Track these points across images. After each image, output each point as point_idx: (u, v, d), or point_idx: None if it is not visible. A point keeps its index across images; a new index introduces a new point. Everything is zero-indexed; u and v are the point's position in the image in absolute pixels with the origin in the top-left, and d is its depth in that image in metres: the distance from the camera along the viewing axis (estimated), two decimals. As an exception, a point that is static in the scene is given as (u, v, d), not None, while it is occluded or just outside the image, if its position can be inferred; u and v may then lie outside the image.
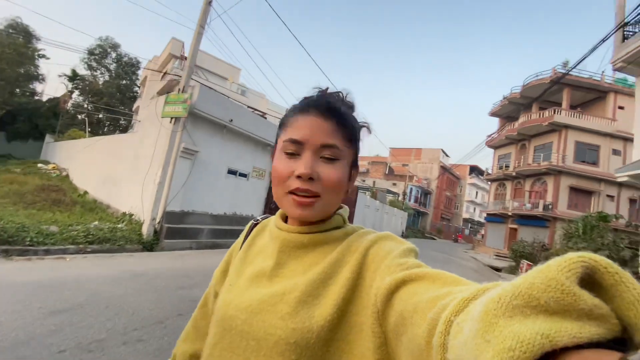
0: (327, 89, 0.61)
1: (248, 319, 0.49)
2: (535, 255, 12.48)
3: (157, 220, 7.03)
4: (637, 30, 7.99)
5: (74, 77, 29.46)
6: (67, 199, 9.71)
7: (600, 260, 0.21)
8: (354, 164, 0.59)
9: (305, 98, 0.58)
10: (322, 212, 0.54)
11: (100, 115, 29.62)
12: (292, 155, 0.54)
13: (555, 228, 17.32)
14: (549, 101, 20.38)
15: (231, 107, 8.50)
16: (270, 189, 10.14)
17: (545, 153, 19.51)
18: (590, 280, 0.21)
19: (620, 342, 0.20)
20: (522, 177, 21.25)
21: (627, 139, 16.77)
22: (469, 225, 46.82)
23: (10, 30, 25.93)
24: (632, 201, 17.91)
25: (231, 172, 8.91)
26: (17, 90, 27.63)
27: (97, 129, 30.42)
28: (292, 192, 0.53)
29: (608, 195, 18.10)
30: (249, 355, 0.47)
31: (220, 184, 8.63)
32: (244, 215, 9.48)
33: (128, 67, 34.53)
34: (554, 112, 18.66)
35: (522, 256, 13.48)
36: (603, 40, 5.84)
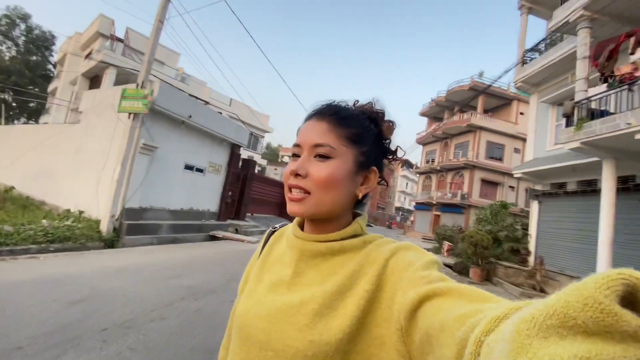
0: (357, 101, 0.63)
1: (266, 328, 0.50)
2: (454, 237, 14.89)
3: (117, 217, 7.01)
4: (534, 56, 10.21)
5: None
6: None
7: None
8: (363, 166, 0.57)
9: None
10: (313, 209, 0.54)
11: (6, 97, 25.38)
12: (295, 157, 0.57)
13: (469, 214, 20.52)
14: (468, 105, 23.71)
15: (190, 103, 8.63)
16: (225, 183, 10.49)
17: (463, 150, 22.76)
18: (632, 299, 0.20)
19: None
20: (444, 171, 24.42)
21: (525, 140, 20.62)
22: (400, 212, 51.50)
23: None
24: (527, 191, 22.08)
25: (188, 167, 9.07)
26: None
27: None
28: (289, 189, 0.55)
29: (510, 186, 21.96)
30: None
31: (178, 179, 8.75)
32: (201, 210, 9.70)
33: (40, 42, 30.02)
34: (471, 115, 21.85)
35: (444, 238, 15.91)
36: (506, 72, 7.55)
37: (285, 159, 42.85)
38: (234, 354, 0.54)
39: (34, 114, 28.43)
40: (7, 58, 27.04)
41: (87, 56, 21.17)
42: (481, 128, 21.68)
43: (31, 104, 27.91)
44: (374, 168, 0.59)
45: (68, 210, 8.00)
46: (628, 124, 5.45)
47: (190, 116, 8.39)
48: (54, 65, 28.94)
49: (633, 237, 6.64)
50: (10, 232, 5.46)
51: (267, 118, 25.97)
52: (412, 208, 38.74)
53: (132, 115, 7.15)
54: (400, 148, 0.64)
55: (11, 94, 25.07)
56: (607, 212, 6.16)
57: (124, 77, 17.56)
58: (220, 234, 9.39)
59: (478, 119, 21.77)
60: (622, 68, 6.01)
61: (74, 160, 8.70)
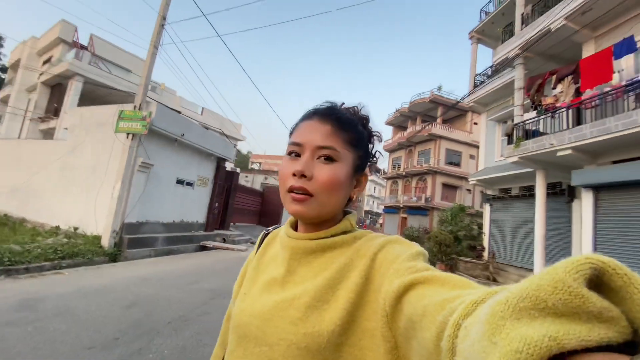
0: (343, 104, 0.65)
1: (261, 325, 0.52)
2: (421, 237, 16.50)
3: (117, 231, 7.46)
4: (483, 80, 11.97)
5: None
6: (-25, 215, 8.71)
7: (608, 261, 0.22)
8: (358, 170, 0.60)
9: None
10: (316, 211, 0.56)
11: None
12: (294, 156, 0.58)
13: (433, 216, 22.50)
14: (428, 115, 25.93)
15: (182, 122, 9.22)
16: (212, 195, 11.09)
17: (426, 157, 24.86)
18: (598, 282, 0.22)
19: (631, 345, 0.20)
20: (410, 176, 26.41)
21: (479, 147, 23.12)
22: (370, 216, 53.67)
23: None
24: (481, 193, 24.63)
25: (179, 181, 9.60)
26: None
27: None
28: (290, 191, 0.56)
29: (467, 189, 24.32)
30: None
31: (170, 193, 9.26)
32: (190, 222, 10.23)
33: (-17, 43, 27.98)
34: (432, 125, 24.00)
35: (412, 239, 17.45)
36: (462, 99, 9.05)
37: (255, 165, 43.02)
38: (230, 352, 0.57)
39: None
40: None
41: (46, 63, 20.43)
42: (441, 137, 23.86)
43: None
44: (366, 171, 0.63)
45: (57, 227, 8.23)
46: (551, 144, 7.05)
47: (183, 134, 8.98)
48: (3, 70, 27.16)
49: (560, 231, 8.35)
50: (19, 250, 5.81)
51: (240, 126, 26.41)
52: (380, 211, 40.75)
53: (130, 135, 7.65)
54: (381, 153, 0.68)
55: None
56: (540, 212, 7.77)
57: (90, 87, 17.32)
58: (210, 244, 9.98)
59: (438, 129, 23.96)
60: (547, 99, 7.66)
61: (61, 177, 8.90)
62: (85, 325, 3.27)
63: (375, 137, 0.65)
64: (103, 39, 20.44)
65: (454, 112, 25.77)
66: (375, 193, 54.28)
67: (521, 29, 8.74)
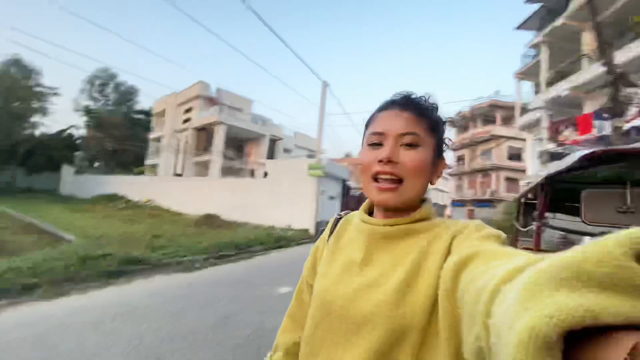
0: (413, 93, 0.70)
1: (345, 305, 0.58)
2: (487, 225, 21.79)
3: (314, 225, 14.79)
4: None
5: (88, 111, 33.29)
6: (224, 222, 16.77)
7: None
8: (438, 155, 0.66)
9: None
10: (405, 198, 0.61)
11: (113, 146, 32.72)
12: (375, 145, 0.63)
13: (497, 207, 27.45)
14: (488, 116, 30.59)
15: (334, 165, 16.41)
16: (340, 204, 18.11)
17: (488, 155, 29.64)
18: None
19: None
20: (474, 172, 31.33)
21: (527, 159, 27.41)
22: (435, 208, 57.97)
23: (12, 69, 29.33)
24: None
25: (331, 197, 16.82)
26: (26, 124, 30.74)
27: (109, 159, 34.36)
28: (375, 179, 0.61)
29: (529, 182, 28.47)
30: (350, 337, 0.56)
31: (327, 204, 16.48)
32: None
33: (127, 95, 38.25)
34: (492, 126, 28.71)
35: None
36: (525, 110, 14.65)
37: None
38: (315, 325, 0.63)
39: (133, 158, 35.30)
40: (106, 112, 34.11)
41: (187, 112, 28.79)
42: (501, 136, 28.53)
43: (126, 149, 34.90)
44: (443, 157, 0.69)
45: (272, 226, 15.78)
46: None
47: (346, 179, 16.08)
48: (146, 114, 36.55)
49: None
50: (262, 239, 13.15)
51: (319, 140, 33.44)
52: (441, 203, 45.51)
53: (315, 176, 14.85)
54: (450, 140, 0.71)
55: (122, 145, 32.66)
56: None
57: (232, 131, 25.14)
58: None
59: (498, 129, 28.64)
60: (560, 137, 13.17)
61: (269, 198, 16.52)
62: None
63: (447, 124, 0.70)
64: (226, 89, 28.55)
65: (510, 112, 30.08)
66: (438, 186, 58.89)
67: (545, 88, 14.20)
